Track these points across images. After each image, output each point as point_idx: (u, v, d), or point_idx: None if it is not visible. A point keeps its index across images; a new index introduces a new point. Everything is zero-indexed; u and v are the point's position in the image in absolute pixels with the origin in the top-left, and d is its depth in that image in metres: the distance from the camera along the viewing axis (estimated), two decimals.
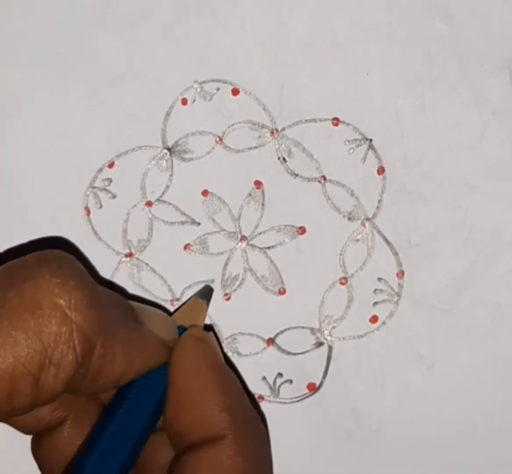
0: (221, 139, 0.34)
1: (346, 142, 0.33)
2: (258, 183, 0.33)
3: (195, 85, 0.34)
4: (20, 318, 0.22)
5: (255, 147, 0.33)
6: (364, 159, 0.33)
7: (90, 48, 0.34)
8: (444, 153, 0.32)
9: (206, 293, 0.33)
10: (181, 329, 0.29)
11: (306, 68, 0.33)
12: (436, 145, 0.32)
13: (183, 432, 0.26)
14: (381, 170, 0.32)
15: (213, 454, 0.25)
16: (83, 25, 0.34)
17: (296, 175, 0.33)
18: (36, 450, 0.28)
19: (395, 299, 0.32)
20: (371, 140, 0.32)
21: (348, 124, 0.33)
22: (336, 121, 0.33)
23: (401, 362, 0.32)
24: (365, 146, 0.32)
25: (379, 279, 0.33)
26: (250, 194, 0.33)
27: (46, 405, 0.24)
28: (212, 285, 0.34)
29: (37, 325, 0.22)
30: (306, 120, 0.33)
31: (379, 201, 0.32)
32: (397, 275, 0.32)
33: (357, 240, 0.33)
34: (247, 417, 0.26)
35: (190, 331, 0.28)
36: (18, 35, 0.34)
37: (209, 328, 0.33)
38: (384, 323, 0.32)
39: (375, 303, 0.33)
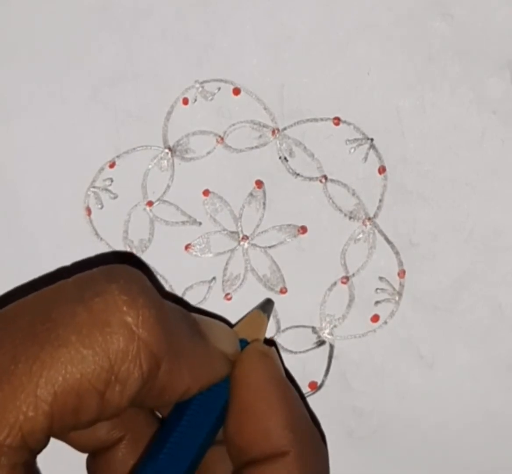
0: (222, 139, 0.33)
1: (347, 142, 0.33)
2: (259, 183, 0.33)
3: (196, 85, 0.33)
4: (88, 334, 0.22)
5: (256, 147, 0.33)
6: (365, 158, 0.32)
7: (90, 48, 0.34)
8: (445, 153, 0.32)
9: (267, 306, 0.32)
10: (243, 342, 0.28)
11: (307, 67, 0.32)
12: (437, 145, 0.32)
13: (244, 447, 0.26)
14: (382, 170, 0.32)
15: (274, 471, 0.25)
16: (83, 25, 0.34)
17: (297, 174, 0.33)
18: (91, 468, 0.28)
19: (396, 298, 0.32)
20: (372, 139, 0.32)
21: (349, 123, 0.32)
22: (337, 120, 0.32)
23: (402, 361, 0.32)
24: (366, 146, 0.32)
25: (380, 278, 0.33)
26: (251, 194, 0.33)
27: (110, 419, 0.24)
28: (213, 285, 0.34)
29: (105, 342, 0.22)
30: (307, 120, 0.33)
31: (380, 201, 0.32)
32: (398, 274, 0.32)
33: (358, 239, 0.33)
34: (309, 434, 0.26)
35: (253, 345, 0.28)
36: (18, 35, 0.34)
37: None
38: (385, 322, 0.33)
39: (376, 302, 0.33)
